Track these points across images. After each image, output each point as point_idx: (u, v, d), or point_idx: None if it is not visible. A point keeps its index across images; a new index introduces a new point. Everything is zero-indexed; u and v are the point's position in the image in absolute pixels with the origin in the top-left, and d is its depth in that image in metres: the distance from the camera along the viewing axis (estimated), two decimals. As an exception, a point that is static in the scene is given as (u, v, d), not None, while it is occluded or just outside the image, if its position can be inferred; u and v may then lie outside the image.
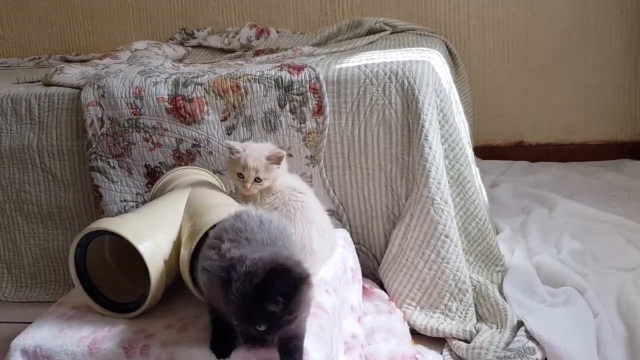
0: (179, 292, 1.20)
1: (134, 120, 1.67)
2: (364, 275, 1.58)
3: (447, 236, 1.47)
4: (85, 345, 1.09)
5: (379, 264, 1.64)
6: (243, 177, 1.30)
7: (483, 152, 2.62)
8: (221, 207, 1.19)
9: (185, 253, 1.13)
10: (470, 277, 1.52)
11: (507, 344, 1.30)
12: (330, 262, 1.32)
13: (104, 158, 1.71)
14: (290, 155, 1.62)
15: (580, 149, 2.75)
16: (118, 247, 1.20)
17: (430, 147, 1.49)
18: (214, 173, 1.58)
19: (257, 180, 1.30)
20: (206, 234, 1.08)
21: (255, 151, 1.31)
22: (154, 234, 1.16)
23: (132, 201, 1.72)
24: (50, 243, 1.86)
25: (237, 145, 1.33)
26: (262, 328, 0.91)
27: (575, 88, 2.68)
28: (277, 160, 1.31)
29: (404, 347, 1.33)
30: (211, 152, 1.65)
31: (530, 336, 1.29)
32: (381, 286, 1.60)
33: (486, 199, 1.82)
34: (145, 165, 1.70)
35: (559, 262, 1.71)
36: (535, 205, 2.21)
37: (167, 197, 1.33)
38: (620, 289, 1.55)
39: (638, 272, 1.64)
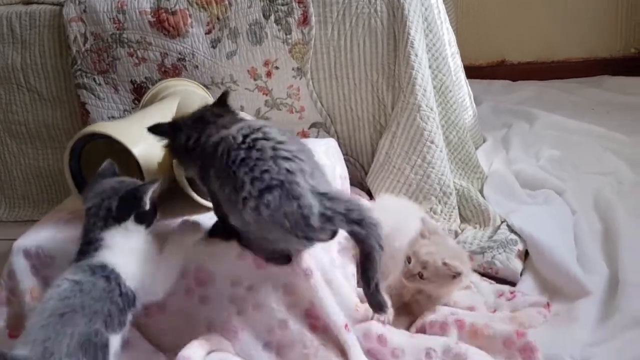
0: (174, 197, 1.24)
1: (117, 35, 1.66)
2: (352, 184, 1.62)
3: (432, 142, 1.51)
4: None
5: (366, 174, 1.68)
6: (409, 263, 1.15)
7: (466, 72, 2.63)
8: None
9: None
10: (454, 182, 1.58)
11: (490, 237, 1.37)
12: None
13: (89, 75, 1.70)
14: (277, 67, 1.63)
15: (561, 66, 2.78)
16: (112, 153, 1.23)
17: (417, 55, 1.51)
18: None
19: (420, 276, 1.14)
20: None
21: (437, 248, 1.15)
22: (148, 137, 1.18)
23: (120, 117, 1.73)
24: (41, 162, 1.87)
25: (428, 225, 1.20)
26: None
27: (556, 6, 2.69)
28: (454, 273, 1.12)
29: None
30: (197, 66, 1.65)
31: (512, 230, 1.36)
32: (369, 195, 1.65)
33: (475, 108, 1.86)
34: (131, 81, 1.69)
35: (538, 168, 1.77)
36: (515, 120, 2.25)
37: (158, 104, 1.34)
38: (597, 190, 1.61)
39: (615, 176, 1.71)
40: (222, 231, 1.08)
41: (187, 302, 1.11)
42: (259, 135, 0.97)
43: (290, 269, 1.06)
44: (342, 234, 1.01)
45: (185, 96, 1.36)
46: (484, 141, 1.99)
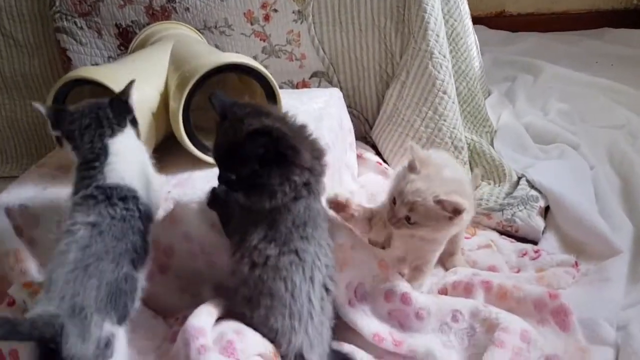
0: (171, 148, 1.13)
1: (100, -26, 1.51)
2: (356, 138, 1.53)
3: (445, 92, 1.41)
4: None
5: (370, 127, 1.58)
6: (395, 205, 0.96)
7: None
8: (213, 54, 1.09)
9: (174, 105, 1.04)
10: (465, 136, 1.49)
11: (508, 194, 1.29)
12: (327, 120, 1.26)
13: (69, 17, 1.55)
14: (275, 10, 1.50)
15: (561, 18, 2.69)
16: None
17: (429, -3, 1.39)
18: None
19: (408, 220, 0.95)
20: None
21: (430, 183, 0.94)
22: (138, 84, 1.06)
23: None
24: (18, 115, 1.74)
25: (423, 154, 0.97)
26: (232, 177, 0.87)
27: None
28: (448, 209, 0.92)
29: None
30: (188, 9, 1.51)
31: (532, 186, 1.28)
32: (374, 149, 1.55)
33: (481, 59, 1.76)
34: (116, 25, 1.55)
35: (548, 121, 1.69)
36: (519, 72, 2.17)
37: (148, 49, 1.22)
38: (611, 144, 1.55)
39: (627, 129, 1.64)
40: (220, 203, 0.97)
41: (192, 263, 1.02)
42: None
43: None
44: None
45: (179, 40, 1.24)
46: (489, 94, 1.90)
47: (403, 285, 0.98)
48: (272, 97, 1.09)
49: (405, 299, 0.97)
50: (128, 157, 0.92)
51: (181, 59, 1.13)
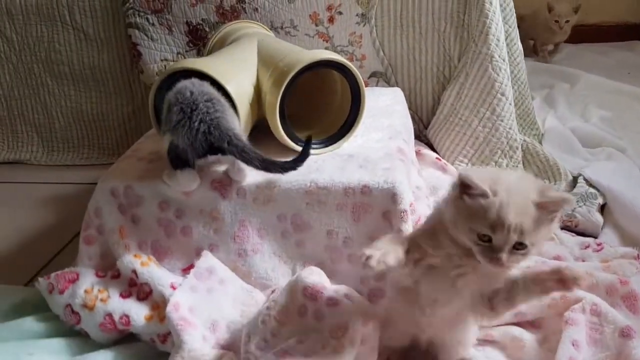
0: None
1: (174, -27, 1.59)
2: (411, 137, 1.60)
3: (502, 94, 1.49)
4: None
5: (425, 127, 1.66)
6: (490, 242, 0.75)
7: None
8: (304, 51, 1.17)
9: (272, 99, 1.11)
10: (518, 136, 1.56)
11: (568, 191, 1.36)
12: (397, 116, 1.33)
13: (142, 14, 1.63)
14: (340, 13, 1.58)
15: (592, 30, 2.77)
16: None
17: (491, 3, 1.47)
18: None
19: (519, 247, 0.75)
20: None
21: (517, 193, 0.75)
22: (237, 75, 1.14)
23: (173, 60, 1.67)
24: (84, 106, 1.81)
25: (480, 175, 0.76)
26: None
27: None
28: (555, 208, 0.75)
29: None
30: (256, 9, 1.59)
31: (589, 184, 1.36)
32: (431, 148, 1.62)
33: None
34: (187, 22, 1.63)
35: (593, 126, 1.77)
36: (556, 80, 2.24)
37: (238, 45, 1.29)
38: (655, 149, 1.62)
39: (667, 136, 1.71)
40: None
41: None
42: None
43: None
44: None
45: (262, 38, 1.31)
46: (533, 99, 1.97)
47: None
48: (356, 94, 1.17)
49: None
50: None
51: (270, 55, 1.20)
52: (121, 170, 1.15)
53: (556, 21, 2.47)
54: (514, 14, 1.64)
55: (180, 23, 1.63)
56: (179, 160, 1.00)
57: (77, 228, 1.17)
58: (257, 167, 0.99)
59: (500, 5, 1.59)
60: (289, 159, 1.05)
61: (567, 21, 2.47)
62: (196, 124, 0.95)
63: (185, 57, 1.66)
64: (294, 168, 1.02)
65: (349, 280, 1.09)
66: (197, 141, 0.95)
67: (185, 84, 1.00)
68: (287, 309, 0.93)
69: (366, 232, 1.08)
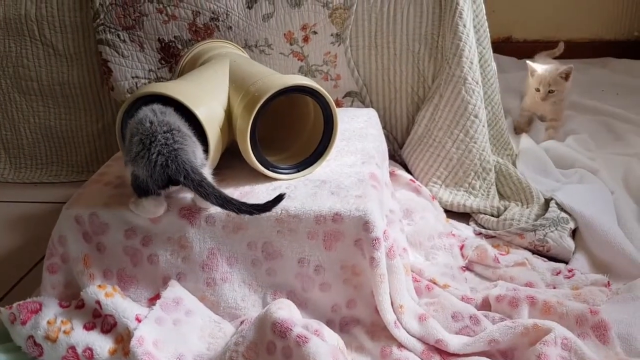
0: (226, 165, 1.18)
1: (146, -10, 1.56)
2: (384, 157, 1.59)
3: (476, 116, 1.49)
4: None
5: (399, 146, 1.65)
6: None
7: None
8: (275, 75, 1.15)
9: (243, 124, 1.09)
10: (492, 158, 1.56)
11: (538, 216, 1.36)
12: (370, 139, 1.32)
13: (113, 30, 1.60)
14: (315, 32, 1.57)
15: (566, 46, 2.79)
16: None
17: (465, 26, 1.47)
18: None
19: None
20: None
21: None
22: (208, 100, 1.12)
23: (144, 78, 1.64)
24: (52, 122, 1.77)
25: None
26: None
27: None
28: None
29: (439, 225, 1.37)
30: (230, 27, 1.58)
31: (561, 208, 1.36)
32: (404, 168, 1.62)
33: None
34: (159, 40, 1.61)
35: (566, 146, 1.77)
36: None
37: (209, 67, 1.27)
38: (626, 169, 1.63)
39: (640, 156, 1.73)
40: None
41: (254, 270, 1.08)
42: None
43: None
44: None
45: (234, 59, 1.29)
46: (505, 118, 1.98)
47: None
48: (329, 119, 1.16)
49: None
50: None
51: (242, 78, 1.18)
52: (86, 197, 1.12)
53: (537, 89, 1.85)
54: (488, 35, 1.65)
55: (152, 40, 1.61)
56: (141, 190, 0.98)
57: (43, 251, 1.14)
58: (213, 203, 0.97)
59: (475, 27, 1.59)
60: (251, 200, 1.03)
61: (552, 91, 1.83)
62: (154, 156, 0.93)
63: (156, 74, 1.64)
64: (250, 213, 1.00)
65: (320, 309, 1.08)
66: (156, 173, 0.94)
67: (146, 112, 0.98)
68: (255, 346, 0.91)
69: (338, 260, 1.07)
